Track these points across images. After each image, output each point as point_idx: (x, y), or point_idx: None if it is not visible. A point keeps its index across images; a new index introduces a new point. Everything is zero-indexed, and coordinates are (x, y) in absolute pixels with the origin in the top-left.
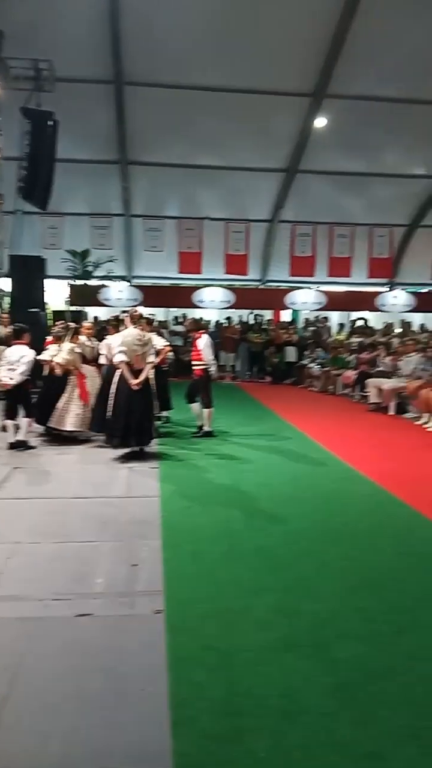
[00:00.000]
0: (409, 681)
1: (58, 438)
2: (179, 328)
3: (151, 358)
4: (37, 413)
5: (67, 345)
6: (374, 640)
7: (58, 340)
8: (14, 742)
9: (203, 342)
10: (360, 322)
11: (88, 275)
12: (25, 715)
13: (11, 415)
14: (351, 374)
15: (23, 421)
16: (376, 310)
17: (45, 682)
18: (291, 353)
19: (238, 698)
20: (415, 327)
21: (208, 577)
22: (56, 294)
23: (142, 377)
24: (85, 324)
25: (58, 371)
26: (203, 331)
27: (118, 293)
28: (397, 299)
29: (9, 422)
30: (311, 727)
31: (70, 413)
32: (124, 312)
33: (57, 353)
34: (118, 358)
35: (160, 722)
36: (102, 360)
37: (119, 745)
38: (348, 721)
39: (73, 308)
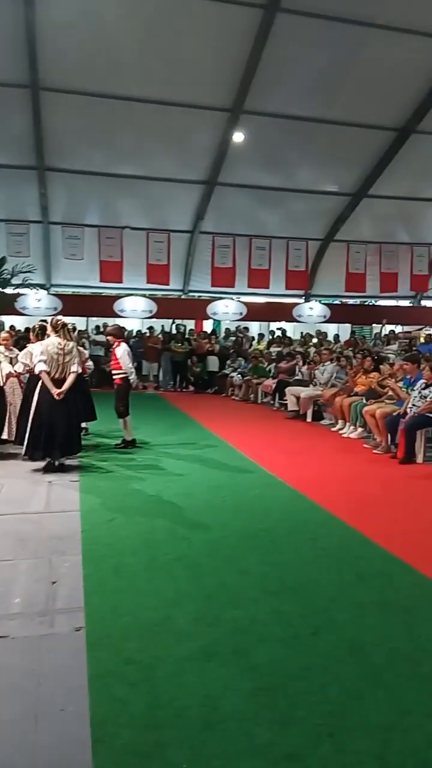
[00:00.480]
0: (325, 680)
1: None
2: (100, 338)
3: (75, 368)
4: None
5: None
6: (292, 642)
7: None
8: None
9: (121, 350)
10: (278, 332)
11: (4, 283)
12: None
13: None
14: (270, 383)
15: None
16: (294, 320)
17: None
18: (213, 363)
19: (160, 711)
20: (330, 337)
21: (129, 590)
22: None
23: (65, 387)
24: (2, 335)
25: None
26: (121, 339)
27: (36, 302)
28: (313, 310)
29: None
30: (231, 734)
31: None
32: (42, 321)
33: None
34: (39, 367)
35: (81, 741)
36: (19, 368)
37: (40, 766)
38: (267, 725)
39: None
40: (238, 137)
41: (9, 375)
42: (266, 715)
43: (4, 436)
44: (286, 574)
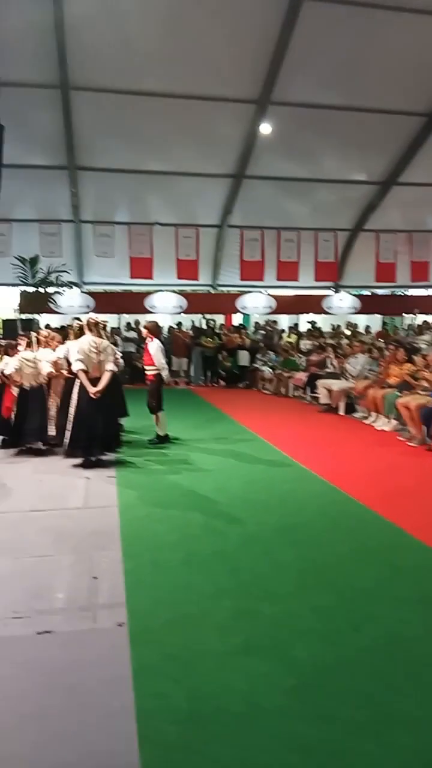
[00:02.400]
0: (367, 676)
1: (12, 450)
2: (132, 335)
3: (110, 366)
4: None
5: (40, 353)
6: (332, 637)
7: (8, 351)
8: None
9: (154, 346)
10: (308, 325)
11: (43, 283)
12: None
13: None
14: (302, 376)
15: None
16: (324, 312)
17: (5, 703)
18: (243, 357)
19: (202, 706)
20: (361, 328)
21: (168, 585)
22: (4, 302)
23: (101, 385)
24: (47, 333)
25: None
26: (154, 335)
27: (70, 300)
28: (343, 302)
29: None
30: (274, 730)
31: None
32: (75, 319)
33: (7, 365)
34: (76, 366)
35: (127, 736)
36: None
37: (87, 763)
38: (309, 721)
39: (24, 316)
40: (265, 129)
41: (50, 375)
42: (309, 711)
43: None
44: (323, 569)
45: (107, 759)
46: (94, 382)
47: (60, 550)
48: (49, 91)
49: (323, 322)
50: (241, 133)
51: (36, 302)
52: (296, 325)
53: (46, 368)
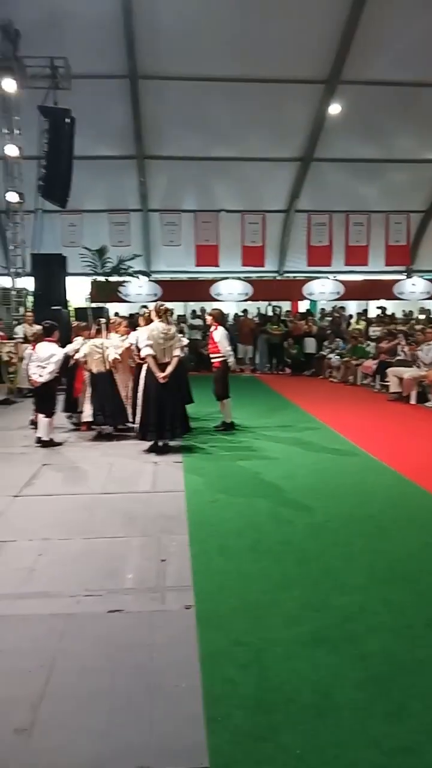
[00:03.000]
0: None
1: (85, 434)
2: (197, 322)
3: (177, 352)
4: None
5: (108, 340)
6: (404, 632)
7: (80, 332)
8: (50, 738)
9: (219, 334)
10: (378, 311)
11: (114, 271)
12: (60, 712)
13: (43, 411)
14: (371, 364)
15: (43, 420)
16: (395, 298)
17: (79, 678)
18: (310, 344)
19: (270, 694)
20: None
21: (235, 571)
22: (77, 291)
23: (169, 370)
24: (114, 319)
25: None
26: (219, 323)
27: (138, 289)
28: (416, 287)
29: (41, 418)
30: (344, 723)
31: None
32: (143, 307)
33: (80, 346)
34: (145, 351)
35: (195, 718)
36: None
37: (155, 741)
38: (381, 716)
39: (94, 305)
40: (334, 109)
41: (115, 361)
42: (380, 706)
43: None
44: (394, 562)
45: (175, 739)
46: (163, 367)
47: (129, 532)
48: (117, 81)
49: (394, 308)
50: (310, 115)
51: (106, 291)
52: (365, 311)
53: (112, 355)
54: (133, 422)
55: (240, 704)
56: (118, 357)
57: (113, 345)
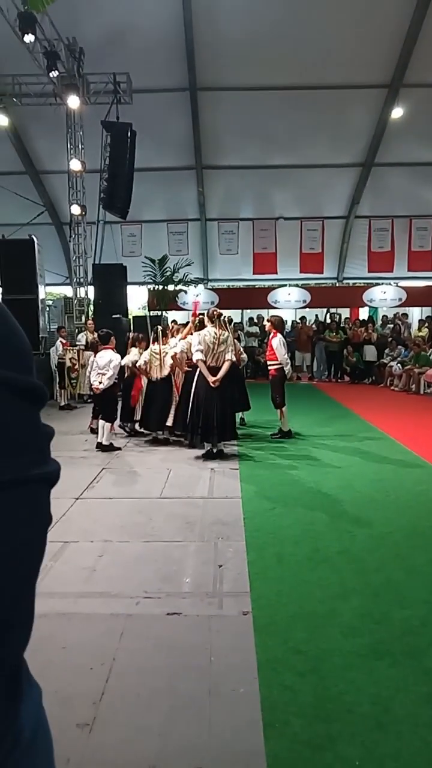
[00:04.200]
0: None
1: (143, 439)
2: (254, 329)
3: (229, 356)
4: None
5: (167, 346)
6: None
7: (134, 344)
8: (111, 735)
9: (277, 341)
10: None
11: (169, 281)
12: (121, 710)
13: (102, 417)
14: None
15: (105, 425)
16: None
17: (138, 677)
18: (370, 352)
19: (329, 704)
20: None
21: (292, 579)
22: (136, 299)
23: (220, 375)
24: (172, 326)
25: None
26: (278, 330)
27: (195, 297)
28: None
29: (101, 423)
30: (405, 737)
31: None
32: (200, 315)
33: (138, 357)
34: (196, 356)
35: (253, 724)
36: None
37: (213, 743)
38: None
39: (153, 313)
40: (396, 113)
41: (172, 366)
42: None
43: (169, 422)
44: None
45: (232, 743)
46: (215, 372)
47: (187, 536)
48: (177, 94)
49: None
50: (371, 120)
51: (163, 299)
52: (429, 317)
53: (169, 361)
54: (180, 428)
55: (298, 712)
56: (177, 354)
57: (171, 347)
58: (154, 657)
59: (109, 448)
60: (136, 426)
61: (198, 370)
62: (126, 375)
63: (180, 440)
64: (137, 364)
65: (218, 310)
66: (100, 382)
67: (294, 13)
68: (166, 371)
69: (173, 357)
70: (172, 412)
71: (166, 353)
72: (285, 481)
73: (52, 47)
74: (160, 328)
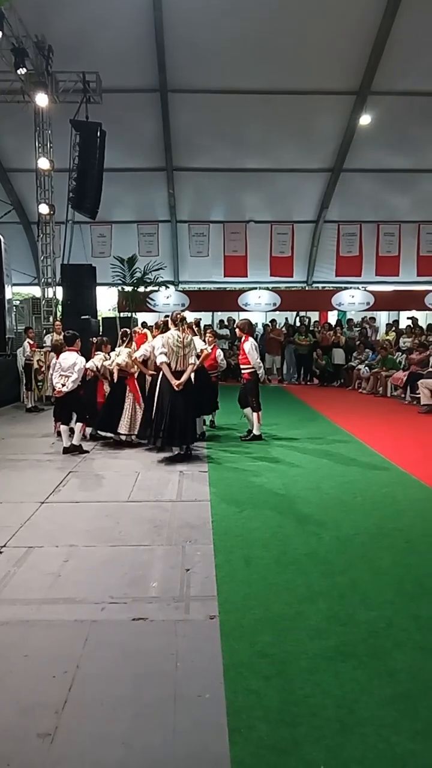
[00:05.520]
0: None
1: (109, 442)
2: (224, 332)
3: (192, 360)
4: (101, 420)
5: (124, 350)
6: None
7: (99, 348)
8: (73, 745)
9: (249, 345)
10: (409, 322)
11: (140, 282)
12: (84, 718)
13: (65, 420)
14: (401, 375)
15: (77, 426)
16: (426, 309)
17: (103, 685)
18: (339, 355)
19: (294, 707)
20: None
21: (260, 582)
22: (106, 301)
23: (183, 378)
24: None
25: (113, 376)
26: (248, 334)
27: (166, 299)
28: None
29: (63, 427)
30: (370, 739)
31: (124, 418)
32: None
33: (103, 361)
34: (160, 359)
35: (218, 729)
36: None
37: (178, 750)
38: (407, 734)
39: (122, 314)
40: (364, 120)
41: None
42: (406, 723)
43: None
44: (423, 577)
45: (198, 748)
46: (179, 375)
47: (154, 540)
48: (148, 95)
49: (426, 319)
50: (340, 126)
51: (134, 301)
52: (396, 322)
53: (124, 359)
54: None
55: (263, 716)
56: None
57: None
58: (118, 663)
59: (77, 450)
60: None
61: (161, 373)
62: (88, 378)
63: (146, 443)
64: (106, 365)
65: (182, 314)
66: (63, 385)
67: (265, 19)
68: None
69: (133, 360)
70: (128, 415)
71: (119, 354)
72: (254, 484)
73: (20, 44)
74: (128, 331)
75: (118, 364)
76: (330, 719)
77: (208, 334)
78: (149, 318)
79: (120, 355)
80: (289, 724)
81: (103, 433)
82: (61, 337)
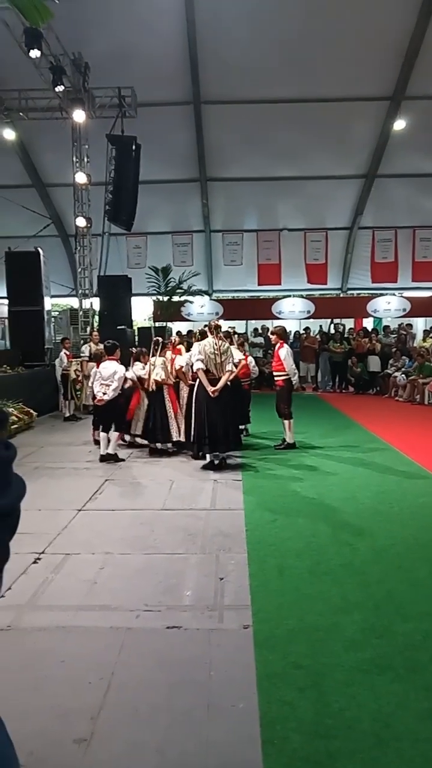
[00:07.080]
0: None
1: (144, 450)
2: (259, 340)
3: (230, 367)
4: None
5: (158, 360)
6: None
7: (138, 359)
8: (108, 750)
9: (284, 352)
10: None
11: (174, 291)
12: (119, 725)
13: (104, 428)
14: None
15: (113, 435)
16: None
17: (137, 692)
18: (374, 362)
19: (329, 720)
20: None
21: (294, 592)
22: (141, 311)
23: (220, 385)
24: (174, 339)
25: (152, 387)
26: (284, 341)
27: (200, 308)
28: None
29: (102, 434)
30: (406, 754)
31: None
32: (205, 326)
33: (143, 371)
34: (196, 366)
35: (251, 740)
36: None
37: (212, 760)
38: None
39: (158, 324)
40: (399, 125)
41: (163, 381)
42: None
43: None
44: None
45: (231, 758)
46: (215, 382)
47: (188, 549)
48: (182, 108)
49: None
50: (374, 132)
51: (168, 310)
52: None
53: (160, 374)
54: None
55: (297, 728)
56: (164, 376)
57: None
58: (153, 671)
59: (113, 458)
60: (137, 438)
61: (198, 381)
62: (126, 387)
63: (183, 451)
64: (139, 376)
65: (217, 322)
66: (104, 393)
67: (297, 28)
68: (154, 385)
69: (178, 371)
70: (174, 424)
71: (155, 366)
72: (288, 493)
73: (57, 62)
74: (161, 339)
75: (155, 381)
76: (365, 733)
77: (236, 339)
78: (183, 327)
79: (155, 367)
80: (323, 737)
81: (140, 441)
82: (101, 346)
